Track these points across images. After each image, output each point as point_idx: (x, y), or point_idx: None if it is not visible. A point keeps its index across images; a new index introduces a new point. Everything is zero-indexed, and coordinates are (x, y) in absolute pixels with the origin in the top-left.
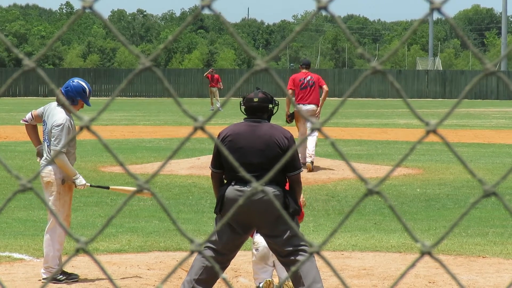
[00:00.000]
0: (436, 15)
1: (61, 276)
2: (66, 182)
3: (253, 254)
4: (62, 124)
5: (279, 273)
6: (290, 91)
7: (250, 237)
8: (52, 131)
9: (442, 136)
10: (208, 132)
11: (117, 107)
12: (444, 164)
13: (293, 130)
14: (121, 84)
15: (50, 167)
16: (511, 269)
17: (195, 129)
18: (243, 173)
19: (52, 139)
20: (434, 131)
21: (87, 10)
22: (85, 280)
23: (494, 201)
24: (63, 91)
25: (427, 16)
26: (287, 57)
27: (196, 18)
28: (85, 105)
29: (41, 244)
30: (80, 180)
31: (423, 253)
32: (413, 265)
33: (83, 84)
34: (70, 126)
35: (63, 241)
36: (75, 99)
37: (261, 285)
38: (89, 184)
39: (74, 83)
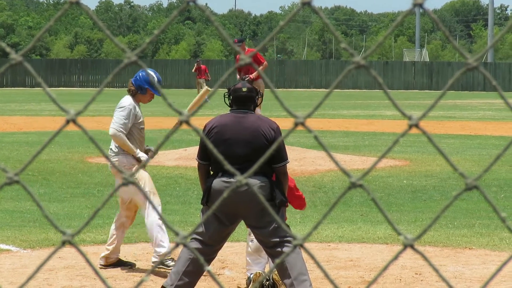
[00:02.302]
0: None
1: (169, 261)
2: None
3: (247, 245)
4: (125, 106)
5: (271, 267)
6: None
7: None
8: (115, 113)
9: (424, 130)
10: (194, 126)
11: (104, 98)
12: (431, 156)
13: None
14: (107, 77)
15: (117, 157)
16: (498, 261)
17: (180, 122)
18: (228, 166)
19: (113, 119)
20: (417, 125)
21: (74, 4)
22: (73, 270)
23: (480, 193)
24: (132, 81)
25: (409, 12)
26: (274, 48)
27: (182, 12)
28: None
29: (28, 235)
30: (142, 155)
31: (405, 246)
32: (396, 257)
33: (151, 73)
34: (133, 111)
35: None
36: (142, 87)
37: (251, 276)
38: (151, 149)
39: (143, 72)
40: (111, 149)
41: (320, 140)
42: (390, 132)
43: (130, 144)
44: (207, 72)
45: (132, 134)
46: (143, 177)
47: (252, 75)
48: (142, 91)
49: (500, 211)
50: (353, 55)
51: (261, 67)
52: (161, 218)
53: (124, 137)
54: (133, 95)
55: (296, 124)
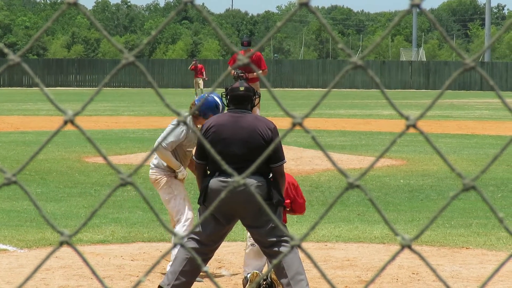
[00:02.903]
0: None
1: None
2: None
3: (247, 246)
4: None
5: (269, 267)
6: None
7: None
8: (167, 128)
9: (421, 131)
10: (191, 126)
11: (101, 97)
12: (428, 155)
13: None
14: (105, 78)
15: (155, 169)
16: (495, 260)
17: (178, 122)
18: (225, 166)
19: (163, 133)
20: (414, 126)
21: (71, 4)
22: (70, 270)
23: (477, 193)
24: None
25: (407, 12)
26: (271, 47)
27: (179, 13)
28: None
29: (25, 235)
30: (182, 173)
31: (403, 246)
32: (393, 258)
33: (217, 99)
34: (185, 130)
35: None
36: (206, 113)
37: (248, 276)
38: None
39: (208, 98)
40: (152, 162)
41: (318, 141)
42: (387, 131)
43: (175, 161)
44: (204, 71)
45: (176, 152)
46: (178, 189)
47: (248, 74)
48: (206, 116)
49: (497, 211)
50: (350, 55)
51: (260, 72)
52: (159, 218)
53: (168, 153)
54: (195, 117)
55: (294, 125)
